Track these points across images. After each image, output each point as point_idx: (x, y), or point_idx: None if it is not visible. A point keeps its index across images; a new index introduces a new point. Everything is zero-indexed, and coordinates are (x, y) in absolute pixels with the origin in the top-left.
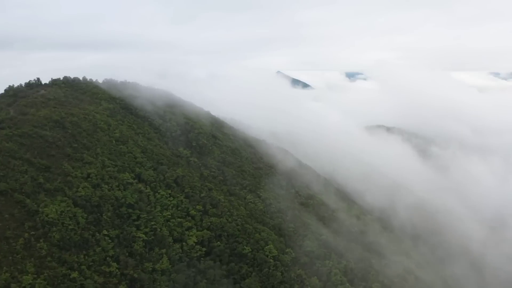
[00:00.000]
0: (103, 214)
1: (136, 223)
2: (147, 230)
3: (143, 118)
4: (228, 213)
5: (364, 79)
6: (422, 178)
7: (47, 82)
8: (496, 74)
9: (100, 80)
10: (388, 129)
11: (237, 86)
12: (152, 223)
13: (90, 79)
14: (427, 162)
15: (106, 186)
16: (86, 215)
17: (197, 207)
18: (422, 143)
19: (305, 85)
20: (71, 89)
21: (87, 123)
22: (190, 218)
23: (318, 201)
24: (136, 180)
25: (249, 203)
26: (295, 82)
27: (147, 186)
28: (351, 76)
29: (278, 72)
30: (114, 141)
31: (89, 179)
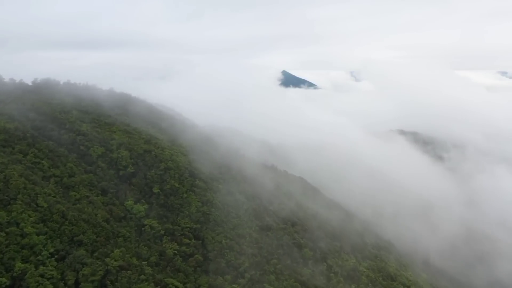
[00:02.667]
0: None
1: None
2: None
3: None
4: None
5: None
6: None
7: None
8: (504, 73)
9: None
10: (398, 132)
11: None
12: None
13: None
14: (449, 175)
15: None
16: None
17: None
18: (433, 149)
19: (310, 85)
20: None
21: None
22: None
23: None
24: None
25: None
26: (301, 81)
27: None
28: (357, 75)
29: (283, 71)
30: None
31: None
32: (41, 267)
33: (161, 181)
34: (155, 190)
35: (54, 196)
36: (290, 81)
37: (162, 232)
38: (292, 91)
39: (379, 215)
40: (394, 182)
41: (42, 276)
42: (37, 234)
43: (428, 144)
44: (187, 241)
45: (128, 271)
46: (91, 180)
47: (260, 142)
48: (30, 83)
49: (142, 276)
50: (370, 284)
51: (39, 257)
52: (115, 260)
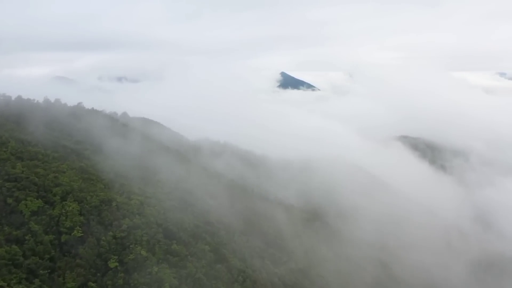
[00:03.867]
0: None
1: None
2: None
3: None
4: None
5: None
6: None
7: None
8: (503, 74)
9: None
10: (395, 139)
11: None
12: None
13: None
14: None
15: None
16: None
17: None
18: (434, 157)
19: (309, 86)
20: None
21: None
22: None
23: None
24: None
25: None
26: (299, 83)
27: None
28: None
29: (282, 72)
30: None
31: None
32: None
33: (121, 249)
34: (112, 265)
35: None
36: (288, 82)
37: None
38: (290, 92)
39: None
40: (397, 195)
41: None
42: None
43: (427, 151)
44: None
45: None
46: (13, 256)
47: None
48: None
49: None
50: None
51: None
52: None
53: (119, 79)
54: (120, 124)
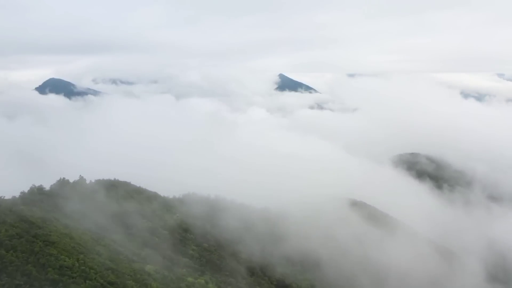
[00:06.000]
0: None
1: None
2: None
3: None
4: None
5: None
6: None
7: None
8: (501, 75)
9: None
10: (388, 158)
11: None
12: None
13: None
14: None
15: None
16: None
17: None
18: (431, 178)
19: (307, 88)
20: None
21: None
22: None
23: None
24: None
25: None
26: (298, 84)
27: None
28: (353, 77)
29: (280, 74)
30: None
31: None
32: None
33: None
34: None
35: None
36: (286, 84)
37: None
38: (287, 95)
39: None
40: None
41: None
42: None
43: (424, 171)
44: None
45: None
46: None
47: None
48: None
49: None
50: None
51: None
52: None
53: (114, 81)
54: None
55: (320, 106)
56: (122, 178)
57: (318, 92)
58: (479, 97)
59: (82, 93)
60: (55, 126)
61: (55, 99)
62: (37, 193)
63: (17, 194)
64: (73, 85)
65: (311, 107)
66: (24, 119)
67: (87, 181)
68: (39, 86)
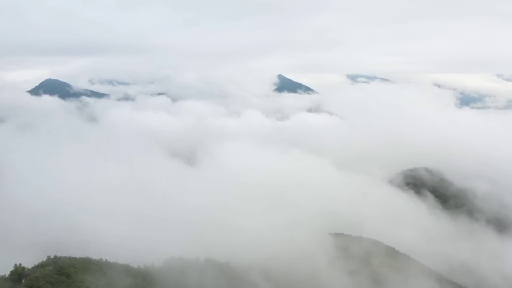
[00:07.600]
0: None
1: None
2: None
3: None
4: None
5: (366, 82)
6: None
7: None
8: (500, 75)
9: None
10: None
11: None
12: None
13: None
14: None
15: None
16: None
17: None
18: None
19: (307, 89)
20: None
21: None
22: None
23: None
24: None
25: None
26: (297, 85)
27: None
28: (352, 78)
29: (279, 75)
30: None
31: None
32: None
33: None
34: None
35: None
36: (285, 85)
37: None
38: (285, 96)
39: None
40: None
41: None
42: None
43: (423, 191)
44: None
45: None
46: None
47: None
48: None
49: None
50: None
51: None
52: None
53: (110, 82)
54: None
55: (317, 109)
56: None
57: (317, 93)
58: (479, 98)
59: (77, 94)
60: (37, 135)
61: (48, 101)
62: None
63: None
64: (69, 86)
65: (309, 110)
66: (10, 124)
67: None
68: (34, 87)
